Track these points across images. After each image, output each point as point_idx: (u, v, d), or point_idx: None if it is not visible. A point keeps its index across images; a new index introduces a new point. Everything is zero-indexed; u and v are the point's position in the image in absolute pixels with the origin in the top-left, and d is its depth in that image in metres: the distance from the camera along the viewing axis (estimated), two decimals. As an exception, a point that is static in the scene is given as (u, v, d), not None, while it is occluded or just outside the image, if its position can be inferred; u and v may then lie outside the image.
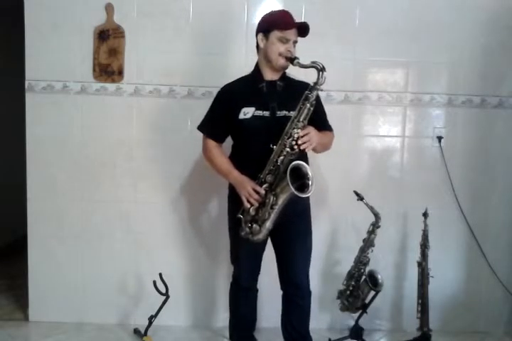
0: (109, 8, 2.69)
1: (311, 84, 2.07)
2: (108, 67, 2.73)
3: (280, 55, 2.12)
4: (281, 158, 2.05)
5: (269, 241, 2.32)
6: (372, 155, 2.85)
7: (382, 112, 2.81)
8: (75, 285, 2.85)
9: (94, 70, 2.73)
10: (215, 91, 2.66)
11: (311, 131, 2.06)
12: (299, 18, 2.70)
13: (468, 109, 2.81)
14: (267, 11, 2.25)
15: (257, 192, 2.07)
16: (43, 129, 2.76)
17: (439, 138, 2.80)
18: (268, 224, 2.09)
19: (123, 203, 2.82)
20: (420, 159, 2.84)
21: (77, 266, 2.84)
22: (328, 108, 2.72)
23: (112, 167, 2.79)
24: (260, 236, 2.12)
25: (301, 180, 2.03)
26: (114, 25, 2.70)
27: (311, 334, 2.42)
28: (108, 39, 2.71)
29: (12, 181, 3.58)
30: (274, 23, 2.13)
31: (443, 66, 2.80)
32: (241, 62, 2.68)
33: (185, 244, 2.86)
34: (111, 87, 2.75)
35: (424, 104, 2.81)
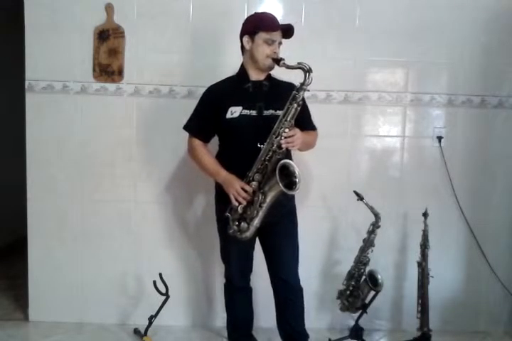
0: (109, 8, 2.69)
1: (298, 84, 2.09)
2: (108, 67, 2.73)
3: (267, 56, 2.15)
4: (269, 156, 2.08)
5: (257, 241, 2.34)
6: (372, 155, 2.84)
7: (382, 112, 2.81)
8: (75, 285, 2.85)
9: (94, 70, 2.73)
10: (215, 91, 2.66)
11: (297, 133, 2.10)
12: (299, 18, 2.71)
13: (468, 109, 2.81)
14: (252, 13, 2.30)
15: (245, 191, 2.10)
16: (43, 129, 2.76)
17: (439, 138, 2.80)
18: (256, 222, 2.12)
19: (123, 203, 2.82)
20: (420, 159, 2.84)
21: (77, 266, 2.84)
22: (328, 108, 2.74)
23: (112, 167, 2.79)
24: (248, 234, 2.14)
25: (288, 178, 2.05)
26: (114, 25, 2.70)
27: (311, 334, 2.42)
28: (108, 39, 2.71)
29: (12, 181, 3.58)
30: (260, 25, 2.15)
31: (443, 66, 2.79)
32: (241, 62, 2.68)
33: (185, 243, 2.86)
34: (111, 87, 2.75)
35: (424, 104, 2.81)
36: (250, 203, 2.11)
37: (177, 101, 2.75)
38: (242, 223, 2.14)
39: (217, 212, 2.36)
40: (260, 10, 2.67)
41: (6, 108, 3.94)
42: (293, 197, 2.29)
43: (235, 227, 2.15)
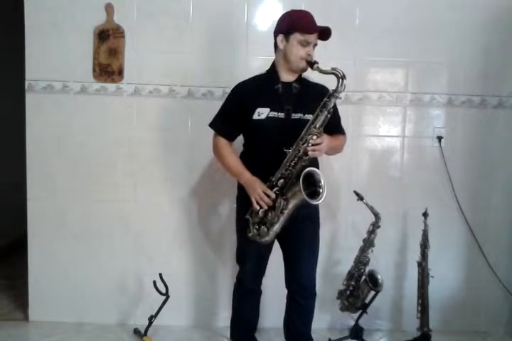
0: (109, 8, 2.69)
1: (330, 91, 2.05)
2: (108, 67, 2.73)
3: (301, 58, 2.09)
4: (295, 162, 2.05)
5: (275, 242, 2.30)
6: (372, 155, 2.84)
7: (382, 112, 2.81)
8: (75, 285, 2.85)
9: (94, 70, 2.73)
10: (215, 91, 2.67)
11: (324, 140, 2.05)
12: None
13: (468, 109, 2.81)
14: (288, 10, 2.21)
15: (268, 196, 2.07)
16: (43, 129, 2.76)
17: (439, 138, 2.80)
18: (276, 227, 2.09)
19: (123, 203, 2.81)
20: (420, 159, 2.84)
21: (77, 266, 2.84)
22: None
23: (112, 167, 2.79)
24: (267, 239, 2.11)
25: (312, 186, 2.02)
26: (114, 25, 2.70)
27: (311, 334, 2.41)
28: (108, 39, 2.71)
29: (12, 181, 3.58)
30: (297, 26, 2.08)
31: (443, 66, 2.80)
32: (241, 62, 2.68)
33: (185, 243, 2.85)
34: (111, 87, 2.75)
35: (424, 104, 2.81)
36: (272, 208, 2.07)
37: (177, 101, 2.75)
38: (262, 227, 2.10)
39: (237, 213, 2.32)
40: (260, 10, 2.68)
41: (6, 108, 3.94)
42: None
43: (255, 231, 2.12)
